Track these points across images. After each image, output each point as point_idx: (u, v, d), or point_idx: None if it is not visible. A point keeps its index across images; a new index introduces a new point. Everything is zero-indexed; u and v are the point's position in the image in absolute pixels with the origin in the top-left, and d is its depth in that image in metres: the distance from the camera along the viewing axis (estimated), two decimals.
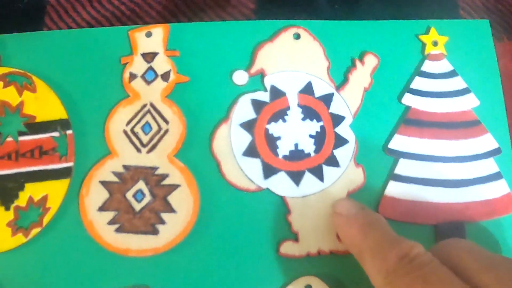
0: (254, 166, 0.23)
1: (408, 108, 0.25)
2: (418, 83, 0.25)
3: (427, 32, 0.26)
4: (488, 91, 0.26)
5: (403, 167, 0.24)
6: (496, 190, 0.24)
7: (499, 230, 0.24)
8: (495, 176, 0.24)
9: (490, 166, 0.24)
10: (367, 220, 0.21)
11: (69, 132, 0.24)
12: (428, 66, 0.25)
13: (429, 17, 0.27)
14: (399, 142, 0.24)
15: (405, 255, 0.18)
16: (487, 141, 0.25)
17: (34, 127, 0.24)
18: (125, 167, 0.24)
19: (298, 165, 0.23)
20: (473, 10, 0.27)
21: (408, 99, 0.25)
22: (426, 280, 0.17)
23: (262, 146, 0.24)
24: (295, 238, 0.23)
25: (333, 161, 0.24)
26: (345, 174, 0.24)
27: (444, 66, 0.26)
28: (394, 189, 0.24)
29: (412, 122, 0.25)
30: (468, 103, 0.25)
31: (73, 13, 0.26)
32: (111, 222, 0.23)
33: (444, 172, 0.24)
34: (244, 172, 0.23)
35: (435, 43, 0.26)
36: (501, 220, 0.24)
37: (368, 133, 0.25)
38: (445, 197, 0.24)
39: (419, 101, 0.25)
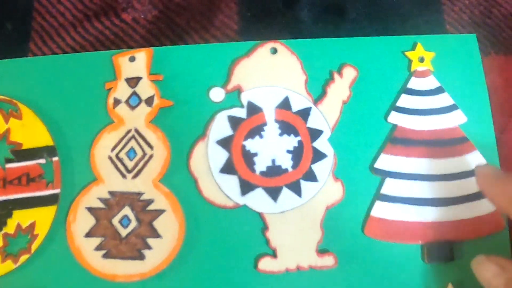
0: (231, 183, 0.24)
1: (394, 126, 0.25)
2: (405, 100, 0.25)
3: (413, 48, 0.26)
4: (476, 107, 0.26)
5: (390, 187, 0.24)
6: (484, 208, 0.24)
7: (487, 248, 0.24)
8: (482, 194, 0.24)
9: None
10: None
11: (55, 158, 0.24)
12: (414, 83, 0.26)
13: (416, 33, 0.27)
14: (385, 162, 0.24)
15: None
16: (475, 158, 0.25)
17: (21, 154, 0.25)
18: (111, 193, 0.24)
19: (275, 181, 0.24)
20: (460, 25, 0.27)
21: (394, 118, 0.25)
22: None
23: (239, 163, 0.24)
24: (273, 254, 0.23)
25: (311, 176, 0.24)
26: (324, 189, 0.24)
27: (431, 82, 0.26)
28: (380, 209, 0.24)
29: (399, 140, 0.25)
30: (456, 119, 0.25)
31: (57, 39, 0.26)
32: (98, 248, 0.23)
33: (432, 191, 0.24)
34: (222, 189, 0.24)
35: (421, 59, 0.26)
36: (489, 238, 0.24)
37: (349, 148, 0.25)
38: (433, 216, 0.24)
39: (406, 119, 0.25)
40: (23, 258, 0.23)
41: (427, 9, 0.27)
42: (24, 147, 0.25)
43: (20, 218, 0.24)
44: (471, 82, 0.26)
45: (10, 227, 0.24)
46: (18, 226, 0.24)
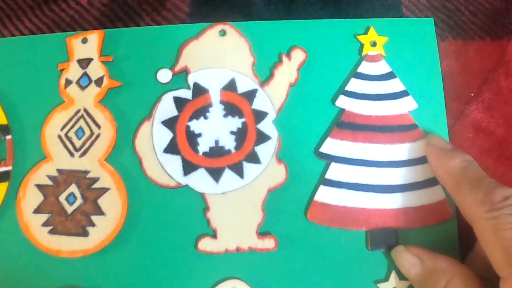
0: (174, 163, 0.24)
1: (342, 110, 0.25)
2: (354, 85, 0.25)
3: (366, 32, 0.26)
4: (429, 93, 0.25)
5: (335, 172, 0.24)
6: (431, 196, 0.24)
7: (432, 237, 0.24)
8: (431, 182, 0.24)
9: (426, 171, 0.24)
10: (466, 158, 0.22)
11: (8, 137, 0.26)
12: (365, 67, 0.25)
13: (371, 16, 0.27)
14: (331, 146, 0.24)
15: (507, 196, 0.20)
16: (423, 146, 0.24)
17: None
18: (59, 171, 0.25)
19: (218, 161, 0.24)
20: (417, 8, 0.27)
21: (343, 101, 0.25)
22: None
23: (182, 143, 0.24)
24: (213, 234, 0.24)
25: (254, 158, 0.24)
26: (266, 171, 0.24)
27: (382, 67, 0.26)
28: (324, 194, 0.24)
29: (346, 125, 0.25)
30: (406, 106, 0.25)
31: (16, 21, 0.27)
32: (45, 224, 0.24)
33: (378, 177, 0.24)
34: (165, 169, 0.24)
35: (373, 44, 0.26)
36: (435, 227, 0.24)
37: (295, 131, 0.25)
38: (378, 203, 0.24)
39: (354, 104, 0.25)
40: None
41: None
42: None
43: None
44: (425, 67, 0.26)
45: None
46: None
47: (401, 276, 0.23)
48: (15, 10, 0.27)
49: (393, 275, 0.23)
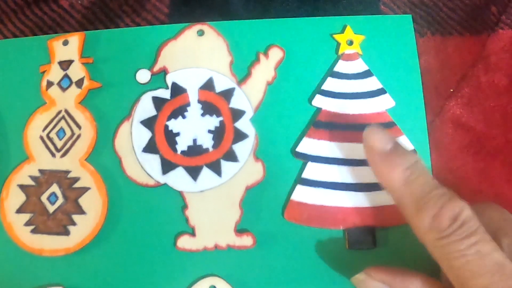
0: (153, 162, 0.25)
1: (318, 110, 0.25)
2: (330, 84, 0.26)
3: (342, 30, 0.26)
4: (407, 91, 0.26)
5: (311, 171, 0.25)
6: None
7: (410, 234, 0.24)
8: None
9: None
10: (408, 163, 0.20)
11: None
12: (341, 66, 0.26)
13: (348, 13, 0.27)
14: (307, 145, 0.25)
15: (455, 217, 0.18)
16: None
17: None
18: (40, 171, 0.25)
19: (196, 160, 0.25)
20: (395, 5, 0.27)
21: (319, 101, 0.25)
22: (479, 250, 0.18)
23: (161, 142, 0.25)
24: (192, 232, 0.24)
25: (231, 156, 0.25)
26: (244, 169, 0.25)
27: (359, 66, 0.26)
28: (301, 193, 0.24)
29: (322, 124, 0.25)
30: (383, 104, 0.25)
31: (0, 25, 0.28)
32: (27, 224, 0.25)
33: (355, 176, 0.25)
34: (144, 168, 0.25)
35: (350, 43, 0.26)
36: None
37: (272, 130, 0.25)
38: (356, 201, 0.24)
39: (331, 103, 0.25)
40: None
41: None
42: None
43: None
44: (404, 65, 0.26)
45: None
46: None
47: None
48: None
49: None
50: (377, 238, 0.24)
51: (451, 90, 0.26)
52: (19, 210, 0.25)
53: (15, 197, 0.25)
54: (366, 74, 0.26)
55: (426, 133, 0.25)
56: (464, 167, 0.24)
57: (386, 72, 0.26)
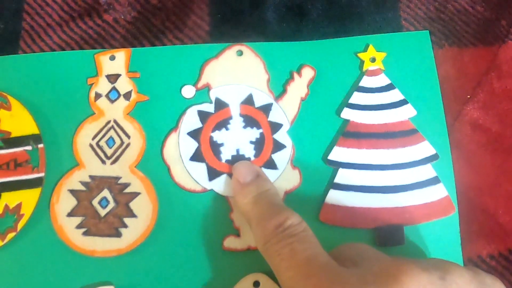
0: (199, 170, 0.28)
1: (346, 121, 0.29)
2: (357, 97, 0.29)
3: (365, 49, 0.30)
4: (427, 100, 0.30)
5: (343, 176, 0.28)
6: (434, 193, 0.28)
7: (436, 231, 0.28)
8: (433, 181, 0.28)
9: (427, 171, 0.29)
10: (259, 191, 0.25)
11: (40, 146, 0.28)
12: (366, 81, 0.30)
13: (373, 29, 0.31)
14: (338, 154, 0.29)
15: (280, 224, 0.23)
16: (424, 148, 0.29)
17: (10, 141, 0.28)
18: (91, 177, 0.28)
19: None
20: (415, 20, 0.32)
21: (347, 113, 0.29)
22: (293, 248, 0.22)
23: (207, 152, 0.28)
24: (237, 233, 0.27)
25: (271, 164, 0.28)
26: (283, 176, 0.28)
27: (382, 80, 0.30)
28: (334, 197, 0.28)
29: (351, 134, 0.29)
30: (405, 113, 0.29)
31: (45, 37, 0.30)
32: (79, 226, 0.27)
33: (382, 179, 0.28)
34: (191, 175, 0.28)
35: (373, 60, 0.30)
36: (440, 222, 0.28)
37: (306, 140, 0.29)
38: (384, 202, 0.28)
39: (358, 115, 0.29)
40: (10, 236, 0.27)
41: (383, 7, 0.32)
42: (13, 135, 0.29)
43: (7, 199, 0.28)
44: (423, 76, 0.30)
45: None
46: (6, 207, 0.28)
47: None
48: (43, 27, 0.30)
49: None
50: (405, 235, 0.27)
51: (468, 96, 0.30)
52: (70, 214, 0.27)
53: (66, 202, 0.28)
54: (388, 87, 0.30)
55: (446, 137, 0.29)
56: (483, 164, 0.28)
57: (407, 84, 0.30)
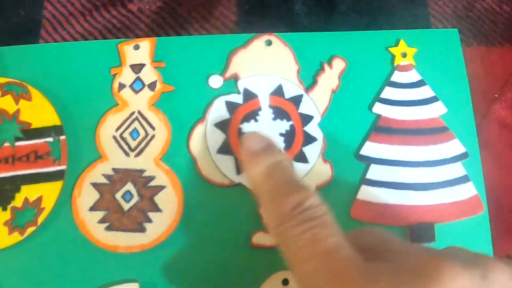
0: (227, 163, 0.27)
1: (378, 116, 0.29)
2: (388, 92, 0.29)
3: (396, 43, 0.30)
4: (457, 98, 0.30)
5: (374, 172, 0.28)
6: (463, 192, 0.28)
7: (467, 230, 0.28)
8: (463, 179, 0.28)
9: (457, 169, 0.28)
10: (272, 161, 0.22)
11: (62, 137, 0.28)
12: (397, 76, 0.29)
13: (401, 25, 0.31)
14: (370, 149, 0.28)
15: (298, 204, 0.20)
16: (454, 146, 0.28)
17: (30, 133, 0.28)
18: (114, 170, 0.27)
19: None
20: (444, 18, 0.31)
21: (379, 108, 0.29)
22: (314, 234, 0.19)
23: (235, 144, 0.27)
24: (265, 229, 0.27)
25: (302, 158, 0.27)
26: (314, 169, 0.27)
27: (413, 76, 0.29)
28: (365, 193, 0.27)
29: (382, 129, 0.28)
30: (436, 110, 0.29)
31: (67, 26, 0.29)
32: (102, 221, 0.27)
33: (413, 176, 0.28)
34: (219, 168, 0.27)
35: (404, 55, 0.30)
36: (469, 221, 0.28)
37: (337, 134, 0.29)
38: (415, 199, 0.28)
39: (389, 110, 0.29)
40: (30, 230, 0.26)
41: (412, 3, 0.32)
42: (33, 126, 0.28)
43: (27, 192, 0.27)
44: (453, 74, 0.30)
45: (18, 201, 0.27)
46: (26, 200, 0.27)
47: None
48: (65, 16, 0.30)
49: None
50: (436, 233, 0.27)
51: (496, 95, 0.30)
52: (93, 208, 0.27)
53: (88, 195, 0.27)
54: (419, 84, 0.29)
55: (475, 135, 0.29)
56: (511, 161, 0.27)
57: (437, 81, 0.30)
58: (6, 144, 0.28)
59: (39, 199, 0.27)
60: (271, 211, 0.20)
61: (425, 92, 0.29)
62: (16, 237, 0.26)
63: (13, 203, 0.27)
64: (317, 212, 0.20)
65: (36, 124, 0.28)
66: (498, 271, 0.19)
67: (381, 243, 0.21)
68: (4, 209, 0.27)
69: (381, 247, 0.20)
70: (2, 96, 0.29)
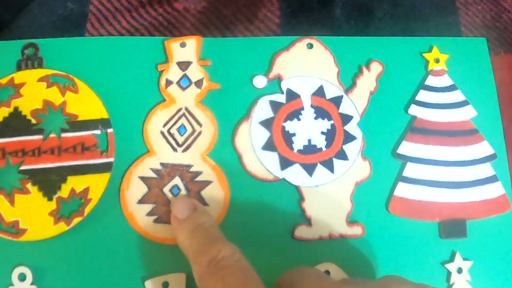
0: (271, 159, 0.29)
1: (414, 117, 0.31)
2: (423, 95, 0.31)
3: (429, 50, 0.32)
4: (485, 102, 0.32)
5: (411, 170, 0.30)
6: (492, 191, 0.30)
7: (496, 226, 0.30)
8: (492, 179, 0.30)
9: (486, 170, 0.30)
10: (194, 225, 0.25)
11: (109, 130, 0.28)
12: (431, 80, 0.31)
13: (434, 32, 0.33)
14: (406, 148, 0.30)
15: (212, 258, 0.23)
16: (484, 148, 0.31)
17: (76, 125, 0.29)
18: (162, 164, 0.28)
19: (311, 158, 0.29)
20: (473, 26, 0.34)
21: (414, 110, 0.31)
22: (225, 281, 0.22)
23: (279, 141, 0.29)
24: (308, 223, 0.28)
25: (342, 155, 0.29)
26: (353, 167, 0.29)
27: (445, 81, 0.31)
28: (402, 190, 0.29)
29: (418, 130, 0.30)
30: (467, 114, 0.31)
31: (113, 21, 0.30)
32: (150, 214, 0.27)
33: (446, 175, 0.30)
34: (263, 164, 0.29)
35: (437, 60, 0.32)
36: (498, 218, 0.30)
37: (375, 133, 0.30)
38: (448, 197, 0.29)
39: (424, 112, 0.31)
40: (76, 220, 0.27)
41: (444, 12, 0.34)
42: (80, 118, 0.29)
43: (74, 183, 0.28)
44: (482, 80, 0.32)
45: (64, 191, 0.28)
46: (72, 190, 0.28)
47: (465, 257, 0.28)
48: (111, 11, 0.30)
49: (457, 256, 0.28)
50: (467, 229, 0.29)
51: None
52: (141, 201, 0.28)
53: (136, 189, 0.28)
54: (451, 88, 0.31)
55: (503, 138, 0.31)
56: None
57: (467, 86, 0.32)
58: (52, 135, 0.28)
59: (86, 190, 0.28)
60: (194, 270, 0.23)
61: (457, 96, 0.31)
62: (62, 227, 0.27)
63: (59, 194, 0.28)
64: (229, 261, 0.23)
65: (82, 116, 0.29)
66: None
67: (297, 279, 0.23)
68: (50, 199, 0.28)
69: (296, 283, 0.23)
70: (48, 87, 0.29)
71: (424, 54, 0.32)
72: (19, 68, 0.30)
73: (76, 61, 0.29)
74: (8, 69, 0.29)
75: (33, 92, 0.29)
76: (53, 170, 0.28)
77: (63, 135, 0.28)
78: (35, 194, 0.27)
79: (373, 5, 0.32)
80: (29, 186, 0.28)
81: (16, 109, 0.29)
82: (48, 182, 0.28)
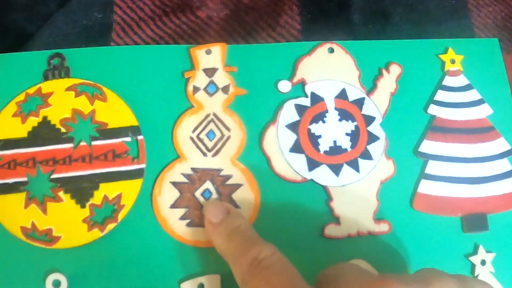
0: (299, 161, 0.30)
1: (433, 117, 0.32)
2: (441, 95, 0.32)
3: (445, 51, 0.33)
4: (500, 100, 0.33)
5: (433, 168, 0.31)
6: (511, 185, 0.31)
7: None
8: (510, 174, 0.31)
9: (504, 165, 0.32)
10: (230, 229, 0.26)
11: (140, 137, 0.29)
12: (448, 80, 0.33)
13: (448, 34, 0.34)
14: (427, 146, 0.31)
15: (254, 259, 0.23)
16: (501, 144, 0.32)
17: (106, 133, 0.29)
18: (193, 169, 0.29)
19: (337, 159, 0.30)
20: (485, 28, 0.35)
21: (433, 109, 0.32)
22: (268, 280, 0.22)
23: (305, 144, 0.30)
24: (337, 221, 0.29)
25: (367, 155, 0.30)
26: (378, 166, 0.30)
27: (461, 80, 0.33)
28: (425, 187, 0.30)
29: (438, 129, 0.31)
30: (483, 112, 0.32)
31: (138, 30, 0.31)
32: (183, 218, 0.28)
33: (466, 171, 0.31)
34: (291, 166, 0.30)
35: (452, 61, 0.33)
36: None
37: (397, 133, 0.31)
38: (469, 192, 0.31)
39: (442, 111, 0.32)
40: (110, 226, 0.28)
41: (457, 15, 0.35)
42: (109, 126, 0.29)
43: (106, 190, 0.28)
44: (495, 79, 0.33)
45: (97, 198, 0.28)
46: (105, 197, 0.28)
47: (488, 249, 0.30)
48: (136, 20, 0.31)
49: (481, 249, 0.30)
50: (488, 222, 0.30)
51: None
52: (174, 205, 0.28)
53: (169, 193, 0.29)
54: (468, 87, 0.33)
55: None
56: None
57: (482, 85, 0.33)
58: (83, 143, 0.29)
59: (118, 197, 0.28)
60: (236, 271, 0.24)
61: (473, 95, 0.32)
62: (96, 233, 0.28)
63: (91, 201, 0.28)
64: (270, 261, 0.23)
65: (112, 124, 0.29)
66: (439, 285, 0.22)
67: (340, 274, 0.24)
68: (83, 206, 0.28)
69: (340, 278, 0.23)
70: (76, 96, 0.30)
71: (440, 56, 0.33)
72: (46, 78, 0.30)
73: (103, 70, 0.30)
74: (35, 79, 0.30)
75: (62, 101, 0.30)
76: (85, 177, 0.29)
77: (94, 143, 0.29)
78: (67, 201, 0.28)
79: (389, 10, 0.34)
80: (61, 194, 0.28)
81: (45, 118, 0.29)
82: (80, 189, 0.28)
